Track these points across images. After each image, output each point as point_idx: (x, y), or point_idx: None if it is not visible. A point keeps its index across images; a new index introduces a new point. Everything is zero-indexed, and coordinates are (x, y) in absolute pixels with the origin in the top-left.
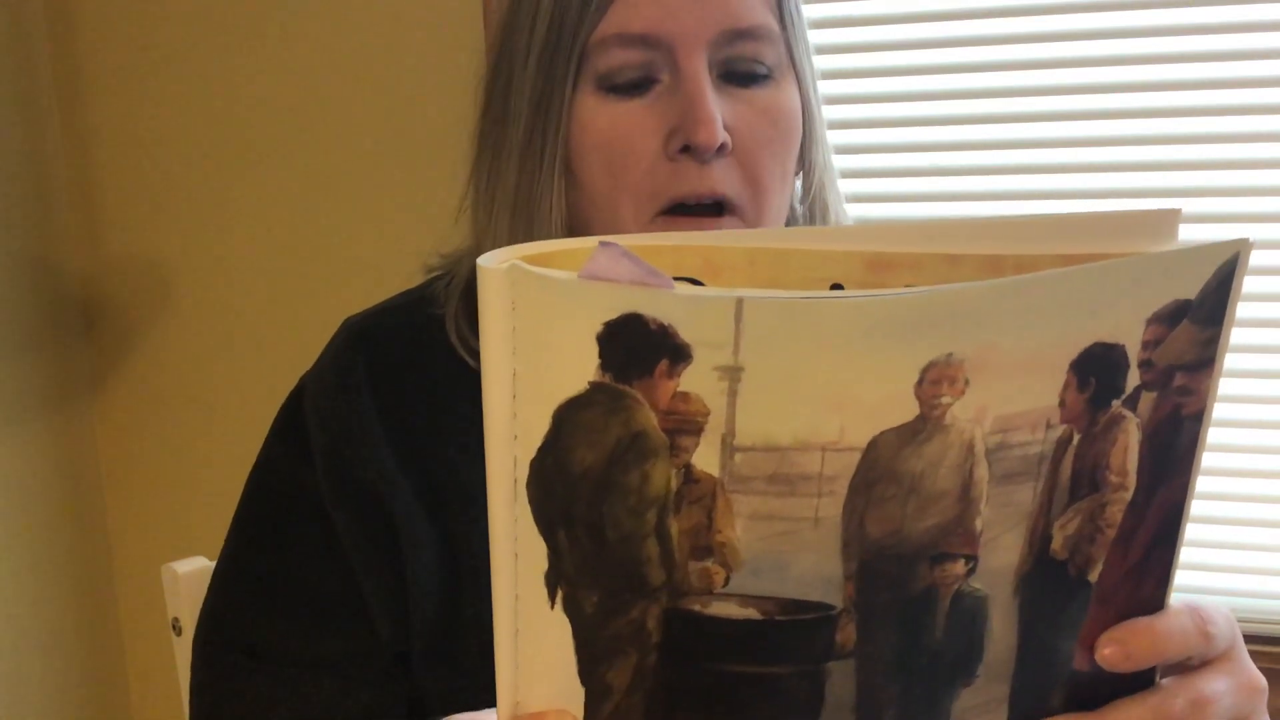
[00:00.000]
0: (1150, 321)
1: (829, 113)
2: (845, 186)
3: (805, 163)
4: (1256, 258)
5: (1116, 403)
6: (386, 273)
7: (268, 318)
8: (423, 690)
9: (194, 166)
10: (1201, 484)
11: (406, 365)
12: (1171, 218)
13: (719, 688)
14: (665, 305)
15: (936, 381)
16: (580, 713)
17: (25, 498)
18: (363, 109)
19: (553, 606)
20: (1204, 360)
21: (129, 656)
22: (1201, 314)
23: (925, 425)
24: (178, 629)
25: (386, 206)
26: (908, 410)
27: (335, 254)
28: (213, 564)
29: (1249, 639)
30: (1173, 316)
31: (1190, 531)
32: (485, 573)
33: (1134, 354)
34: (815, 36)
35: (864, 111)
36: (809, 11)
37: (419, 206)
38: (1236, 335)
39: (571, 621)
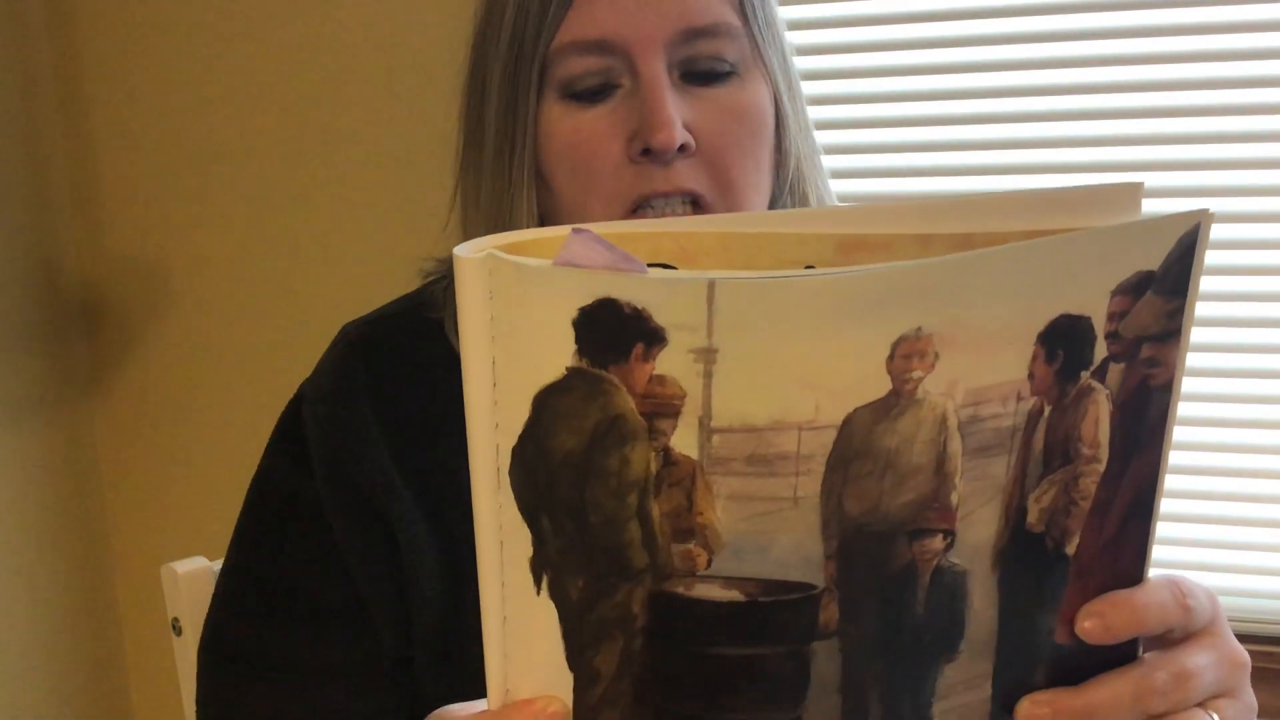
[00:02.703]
0: (1115, 293)
1: (819, 114)
2: (836, 187)
3: (783, 152)
4: (1257, 257)
5: (1085, 374)
6: (386, 273)
7: (267, 318)
8: (426, 696)
9: (194, 167)
10: (1201, 484)
11: (405, 372)
12: (1134, 191)
13: (705, 671)
14: (639, 289)
15: (907, 356)
16: (569, 699)
17: (25, 498)
18: (363, 111)
19: (539, 593)
20: (1170, 331)
21: (129, 656)
22: (1165, 285)
23: (898, 400)
24: (178, 629)
25: (386, 208)
26: (880, 386)
27: (335, 255)
28: (213, 564)
29: (1249, 639)
30: (1137, 288)
31: (1190, 531)
32: None
33: (1100, 325)
34: (803, 37)
35: (850, 112)
36: (797, 12)
37: (419, 208)
38: (1236, 336)
39: (558, 607)
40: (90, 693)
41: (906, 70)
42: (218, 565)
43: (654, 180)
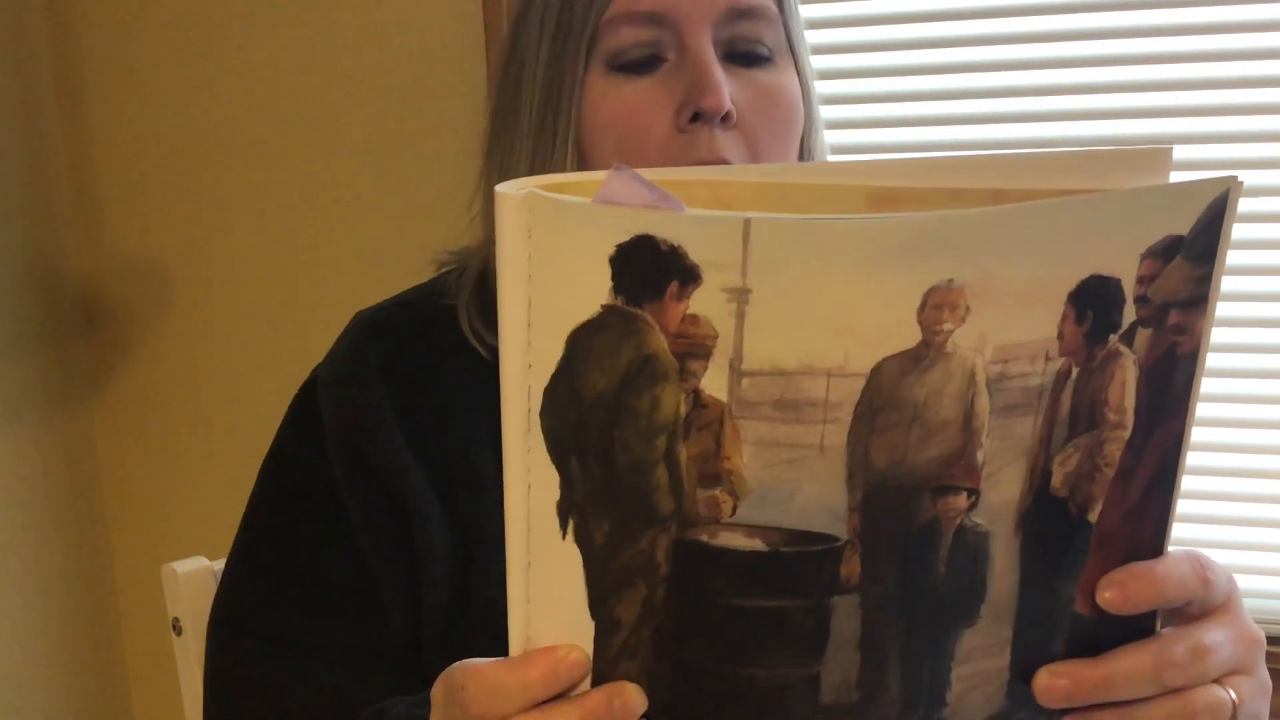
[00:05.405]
0: (1145, 256)
1: (827, 113)
2: None
3: (805, 148)
4: (1255, 256)
5: (1113, 337)
6: (387, 272)
7: (268, 317)
8: (436, 678)
9: (194, 166)
10: (1202, 484)
11: (419, 357)
12: (1164, 156)
13: (726, 622)
14: (675, 227)
15: (938, 307)
16: (590, 647)
17: (25, 498)
18: (363, 109)
19: (564, 537)
20: (1197, 298)
21: (129, 656)
22: (1194, 250)
23: (928, 352)
24: (178, 629)
25: (386, 206)
26: (910, 336)
27: (335, 254)
28: (213, 564)
29: None
30: (1167, 252)
31: (1190, 531)
32: (497, 561)
33: (1129, 288)
34: (811, 37)
35: (857, 112)
36: (808, 11)
37: (419, 206)
38: (1236, 335)
39: (582, 552)
40: (90, 693)
41: (909, 70)
42: (218, 565)
43: (699, 150)
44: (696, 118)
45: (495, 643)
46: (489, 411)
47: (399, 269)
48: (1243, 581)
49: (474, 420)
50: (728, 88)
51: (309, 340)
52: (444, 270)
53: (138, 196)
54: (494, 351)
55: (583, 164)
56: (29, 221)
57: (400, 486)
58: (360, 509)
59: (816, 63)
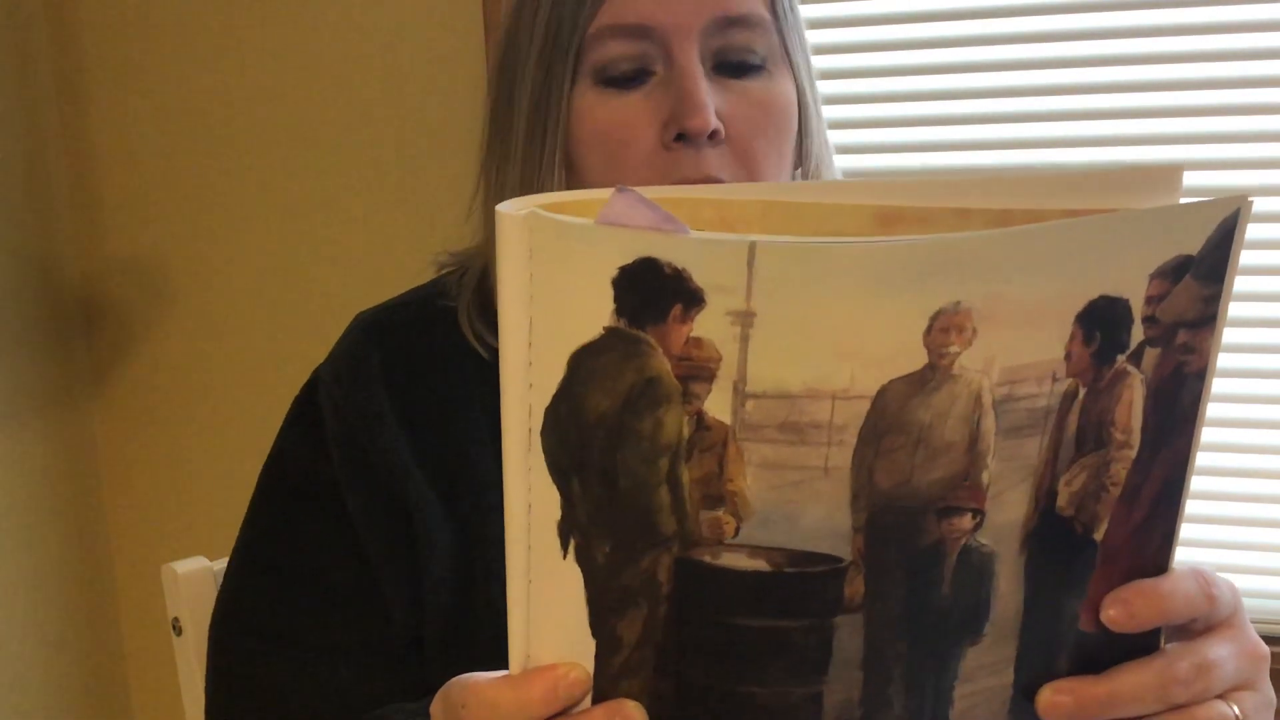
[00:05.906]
0: (1154, 276)
1: (829, 113)
2: None
3: (802, 153)
4: (1255, 256)
5: (1121, 358)
6: (386, 273)
7: (267, 317)
8: (437, 678)
9: (194, 166)
10: (1201, 484)
11: (420, 357)
12: (1174, 174)
13: (728, 641)
14: (679, 250)
15: (945, 330)
16: (591, 665)
17: (25, 498)
18: (363, 110)
19: (565, 557)
20: (1206, 318)
21: (129, 656)
22: (1203, 270)
23: (934, 375)
24: (178, 629)
25: (386, 207)
26: (917, 359)
27: (335, 254)
28: (213, 564)
29: None
30: (1175, 272)
31: (1190, 532)
32: (499, 560)
33: (1138, 309)
34: (813, 37)
35: (861, 112)
36: (809, 11)
37: (419, 208)
38: (1237, 335)
39: (584, 572)
40: (90, 693)
41: (908, 70)
42: (218, 565)
43: (684, 167)
44: (681, 137)
45: (497, 642)
46: (490, 411)
47: (399, 270)
48: (1242, 582)
49: (475, 420)
50: (715, 102)
51: (309, 341)
52: (444, 271)
53: (138, 196)
54: (494, 352)
55: (571, 177)
56: (29, 221)
57: (401, 486)
58: (361, 509)
59: (816, 63)
